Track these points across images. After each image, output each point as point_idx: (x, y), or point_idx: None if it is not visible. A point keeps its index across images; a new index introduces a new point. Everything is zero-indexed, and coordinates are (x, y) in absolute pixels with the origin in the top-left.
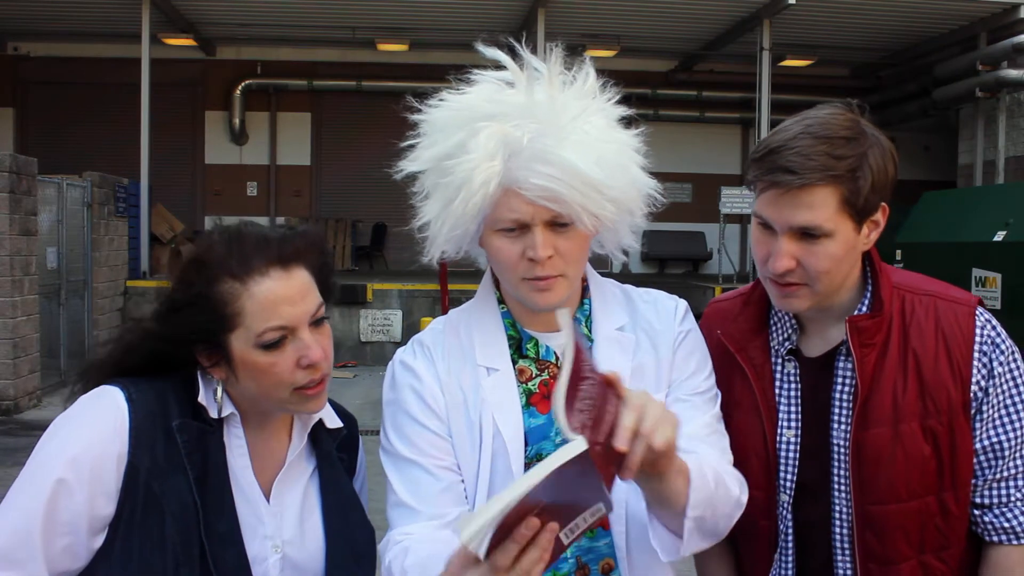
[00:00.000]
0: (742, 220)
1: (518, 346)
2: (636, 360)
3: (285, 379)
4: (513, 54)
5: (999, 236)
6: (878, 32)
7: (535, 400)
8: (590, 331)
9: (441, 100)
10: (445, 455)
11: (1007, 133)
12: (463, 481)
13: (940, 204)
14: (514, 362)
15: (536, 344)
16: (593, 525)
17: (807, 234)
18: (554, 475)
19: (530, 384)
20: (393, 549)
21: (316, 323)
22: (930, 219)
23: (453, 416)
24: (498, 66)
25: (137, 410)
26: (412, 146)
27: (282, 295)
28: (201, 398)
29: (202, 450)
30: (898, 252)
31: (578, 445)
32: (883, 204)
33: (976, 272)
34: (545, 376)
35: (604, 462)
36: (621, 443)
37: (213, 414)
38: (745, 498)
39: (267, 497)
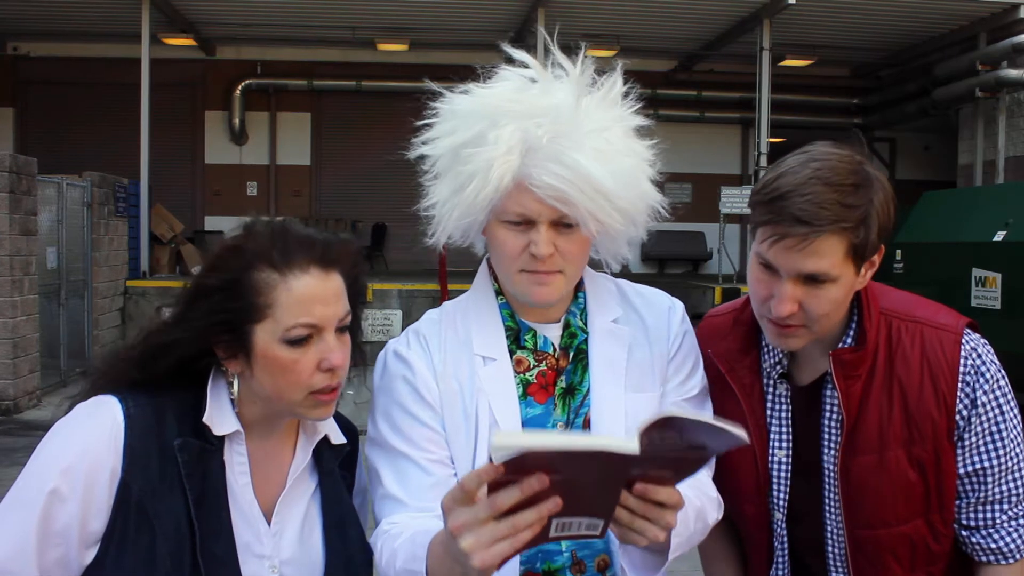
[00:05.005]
0: (742, 220)
1: (516, 337)
2: (632, 352)
3: (303, 379)
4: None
5: (999, 236)
6: (878, 32)
7: (532, 390)
8: (585, 324)
9: (464, 91)
10: (438, 448)
11: (1007, 133)
12: (455, 475)
13: (940, 204)
14: (512, 353)
15: (534, 335)
16: (581, 537)
17: (811, 279)
18: (591, 458)
19: (527, 374)
20: (383, 537)
21: (340, 330)
22: (930, 219)
23: (448, 407)
24: (509, 61)
25: (134, 427)
26: (428, 126)
27: (318, 294)
28: (206, 418)
29: (201, 470)
30: (898, 252)
31: (632, 446)
32: (881, 246)
33: (976, 272)
34: (543, 367)
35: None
36: (642, 490)
37: (218, 431)
38: (718, 517)
39: (267, 515)
